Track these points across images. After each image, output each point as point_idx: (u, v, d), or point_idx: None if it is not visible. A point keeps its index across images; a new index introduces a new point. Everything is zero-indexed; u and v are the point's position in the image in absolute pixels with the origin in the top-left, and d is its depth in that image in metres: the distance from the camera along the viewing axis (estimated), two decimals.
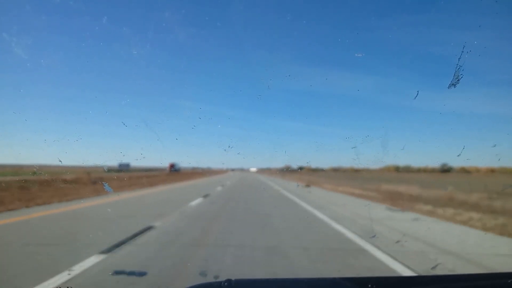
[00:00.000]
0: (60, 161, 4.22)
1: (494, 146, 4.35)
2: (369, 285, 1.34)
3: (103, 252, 4.90)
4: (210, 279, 3.58)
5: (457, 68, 2.75)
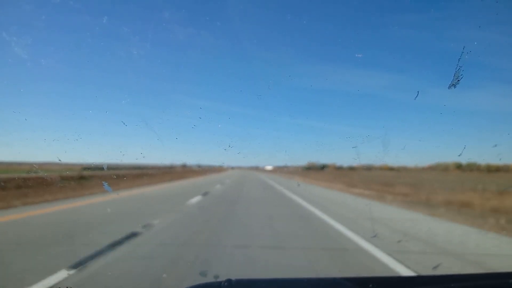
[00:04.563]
0: (59, 160, 4.21)
1: (495, 146, 4.33)
2: (370, 285, 1.34)
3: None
4: (210, 279, 3.57)
5: (457, 68, 2.75)
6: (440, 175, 28.46)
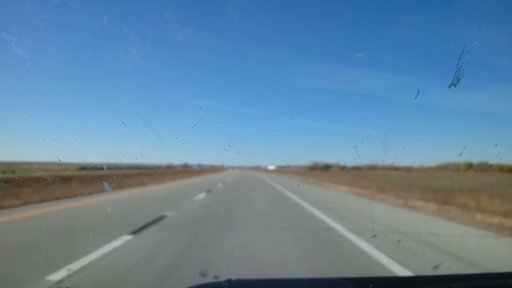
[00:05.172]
0: (59, 159, 4.22)
1: (496, 145, 4.31)
2: (370, 285, 1.34)
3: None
4: (210, 279, 3.57)
5: (457, 68, 2.75)
6: (463, 176, 24.22)
